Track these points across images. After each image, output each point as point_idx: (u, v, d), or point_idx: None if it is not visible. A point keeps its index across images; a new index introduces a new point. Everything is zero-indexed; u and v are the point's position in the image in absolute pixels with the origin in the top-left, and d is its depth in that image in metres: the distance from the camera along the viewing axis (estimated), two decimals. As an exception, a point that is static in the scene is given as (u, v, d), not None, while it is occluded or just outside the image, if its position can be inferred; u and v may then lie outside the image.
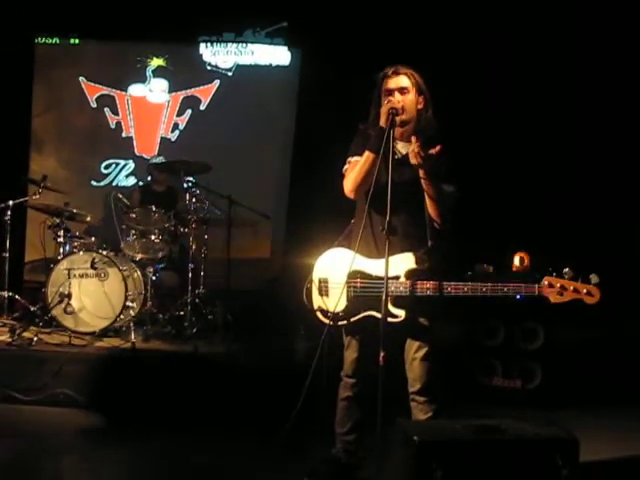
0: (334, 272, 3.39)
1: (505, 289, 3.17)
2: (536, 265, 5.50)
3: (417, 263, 3.27)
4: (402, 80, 3.37)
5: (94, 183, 7.65)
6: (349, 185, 3.41)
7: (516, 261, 5.54)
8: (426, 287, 3.24)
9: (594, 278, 3.06)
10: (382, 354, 2.99)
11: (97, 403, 4.77)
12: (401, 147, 3.38)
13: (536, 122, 6.63)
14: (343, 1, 7.05)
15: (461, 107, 6.17)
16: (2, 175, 6.71)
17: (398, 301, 3.24)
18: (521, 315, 5.47)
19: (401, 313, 3.24)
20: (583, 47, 6.53)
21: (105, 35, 7.40)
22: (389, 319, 3.15)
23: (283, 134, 7.62)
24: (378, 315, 3.15)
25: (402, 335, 3.36)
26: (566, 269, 3.09)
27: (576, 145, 6.79)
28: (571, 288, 3.07)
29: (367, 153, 3.30)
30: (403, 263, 3.28)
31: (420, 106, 3.40)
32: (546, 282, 3.11)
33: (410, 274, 3.26)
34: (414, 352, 3.37)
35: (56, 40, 7.63)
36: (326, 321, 3.37)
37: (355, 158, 3.41)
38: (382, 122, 3.25)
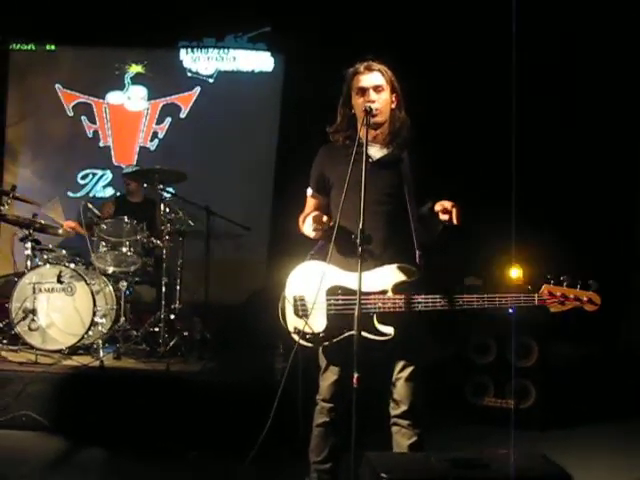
0: (310, 288, 3.10)
1: (503, 300, 2.97)
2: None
3: (405, 275, 3.02)
4: (376, 77, 3.16)
5: (70, 194, 7.45)
6: (302, 230, 3.26)
7: (510, 274, 5.30)
8: (417, 301, 3.00)
9: (594, 284, 2.88)
10: (356, 375, 2.75)
11: (62, 426, 4.55)
12: (374, 151, 3.16)
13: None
14: (327, 5, 6.85)
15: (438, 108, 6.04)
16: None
17: (385, 318, 2.99)
18: (513, 330, 5.21)
19: (389, 331, 2.99)
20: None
21: (82, 41, 7.26)
22: (376, 337, 2.94)
23: (266, 143, 7.41)
24: (365, 334, 2.90)
25: (386, 354, 3.11)
26: (564, 276, 2.90)
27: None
28: (572, 296, 2.88)
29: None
30: (389, 276, 3.03)
31: (393, 105, 3.19)
32: (546, 291, 2.91)
33: (398, 288, 3.01)
34: (398, 371, 3.14)
35: (32, 46, 7.49)
36: (305, 344, 3.09)
37: (309, 192, 3.29)
38: (361, 122, 3.05)
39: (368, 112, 3.03)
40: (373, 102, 3.09)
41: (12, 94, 7.44)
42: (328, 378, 3.22)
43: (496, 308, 3.03)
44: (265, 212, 7.35)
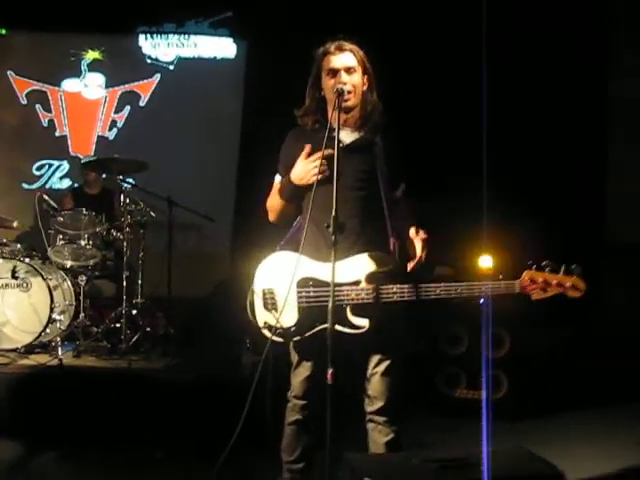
0: (280, 281, 2.94)
1: (482, 288, 2.83)
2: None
3: (379, 264, 2.87)
4: (348, 58, 2.99)
5: (26, 186, 7.21)
6: (270, 216, 3.15)
7: (481, 262, 5.21)
8: (392, 291, 2.84)
9: (577, 269, 2.76)
10: (330, 370, 2.61)
11: (19, 429, 4.32)
12: (344, 135, 3.00)
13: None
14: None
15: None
16: None
17: (360, 309, 2.83)
18: (484, 321, 5.14)
19: (364, 323, 2.83)
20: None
21: (36, 26, 7.01)
22: (349, 331, 2.79)
23: (229, 131, 7.25)
24: (338, 327, 2.76)
25: (361, 347, 2.96)
26: (545, 261, 2.78)
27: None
28: (554, 282, 2.75)
29: (278, 198, 3.06)
30: (362, 265, 2.87)
31: (365, 87, 3.03)
32: (527, 277, 2.78)
33: (372, 277, 2.85)
34: (374, 366, 2.98)
35: None
36: (276, 339, 2.93)
37: (277, 179, 3.12)
38: (331, 105, 2.90)
39: (340, 94, 2.87)
40: (345, 84, 2.94)
41: (-39, 81, 7.17)
42: (300, 374, 3.07)
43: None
44: (229, 202, 7.18)
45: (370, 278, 2.86)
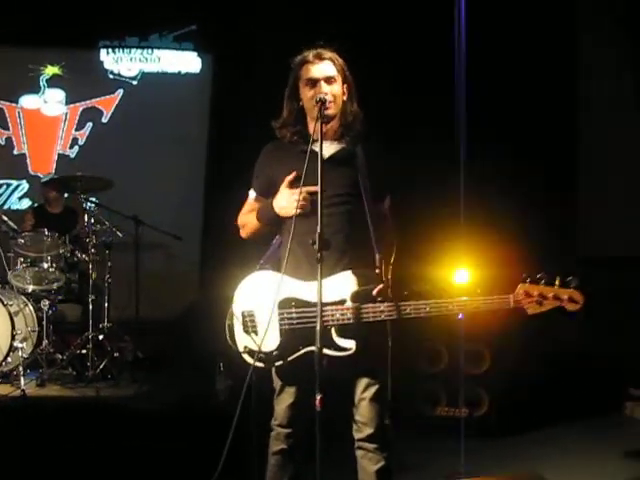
0: (260, 302, 2.78)
1: (475, 304, 2.67)
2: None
3: (364, 281, 2.72)
4: (327, 67, 2.86)
5: (-18, 206, 6.95)
6: (242, 232, 3.01)
7: (457, 277, 5.11)
8: (379, 310, 2.69)
9: (574, 280, 2.60)
10: (319, 397, 2.46)
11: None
12: (325, 147, 2.81)
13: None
14: (257, 2, 6.57)
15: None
16: None
17: (345, 330, 2.68)
18: (464, 337, 5.01)
19: (350, 345, 2.67)
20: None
21: (-8, 39, 6.78)
22: (335, 353, 2.63)
23: (195, 147, 7.11)
24: (324, 350, 2.57)
25: (347, 371, 2.80)
26: (540, 273, 2.63)
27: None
28: (551, 295, 2.60)
29: (254, 218, 2.92)
30: (347, 283, 2.72)
31: (345, 97, 2.90)
32: (522, 291, 2.63)
33: (357, 296, 2.70)
34: (362, 391, 2.82)
35: None
36: (258, 364, 2.76)
37: (252, 195, 2.97)
38: (312, 116, 2.78)
39: (323, 102, 2.73)
40: (325, 94, 2.80)
41: None
42: (284, 401, 2.89)
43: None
44: (197, 220, 7.04)
45: (356, 297, 2.71)
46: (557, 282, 2.63)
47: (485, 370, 5.05)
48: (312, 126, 2.78)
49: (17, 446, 4.11)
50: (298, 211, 2.72)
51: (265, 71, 6.15)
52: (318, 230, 2.54)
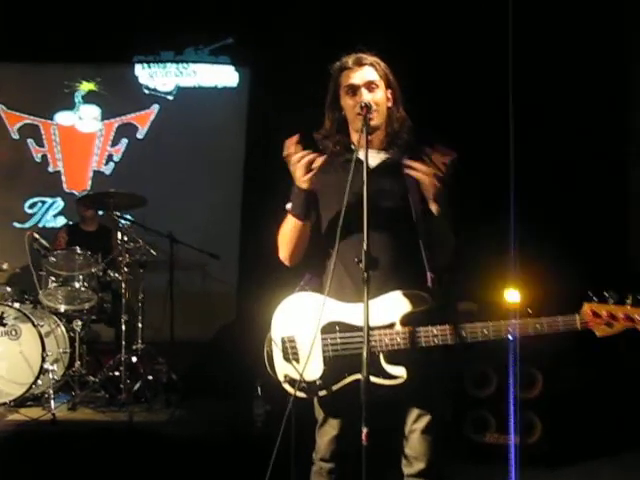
0: (301, 327, 2.57)
1: (538, 326, 2.44)
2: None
3: (416, 304, 2.49)
4: (368, 72, 2.66)
5: (17, 225, 6.89)
6: (281, 252, 2.75)
7: (507, 297, 4.85)
8: (433, 334, 2.46)
9: None
10: (365, 430, 2.25)
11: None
12: (370, 159, 2.61)
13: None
14: (295, 13, 6.43)
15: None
16: None
17: (395, 357, 2.46)
18: (513, 359, 4.80)
19: (401, 372, 2.45)
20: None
21: (27, 57, 6.74)
22: (384, 382, 2.42)
23: (232, 162, 6.93)
24: (372, 378, 2.36)
25: (397, 401, 2.57)
26: (608, 292, 2.39)
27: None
28: (622, 315, 2.36)
29: (289, 217, 2.65)
30: (396, 305, 2.49)
31: (390, 103, 2.70)
32: (588, 311, 2.39)
33: (408, 319, 2.48)
34: (413, 422, 2.59)
35: None
36: (299, 394, 2.54)
37: (290, 205, 2.72)
38: (354, 127, 2.61)
39: (368, 108, 2.54)
40: (367, 103, 2.60)
41: (-50, 117, 6.95)
42: (327, 433, 2.67)
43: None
44: (234, 238, 6.85)
45: (406, 320, 2.49)
46: (629, 300, 2.38)
47: (537, 394, 4.76)
48: (355, 137, 2.59)
49: (45, 471, 3.97)
50: (307, 177, 2.53)
51: (304, 84, 6.02)
52: (364, 247, 2.33)
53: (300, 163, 2.54)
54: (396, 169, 2.68)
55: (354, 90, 2.65)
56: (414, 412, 2.59)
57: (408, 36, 5.99)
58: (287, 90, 6.30)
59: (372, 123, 2.60)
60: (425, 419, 2.57)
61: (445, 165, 2.56)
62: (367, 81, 2.64)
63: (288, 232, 2.69)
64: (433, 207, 2.54)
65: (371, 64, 2.68)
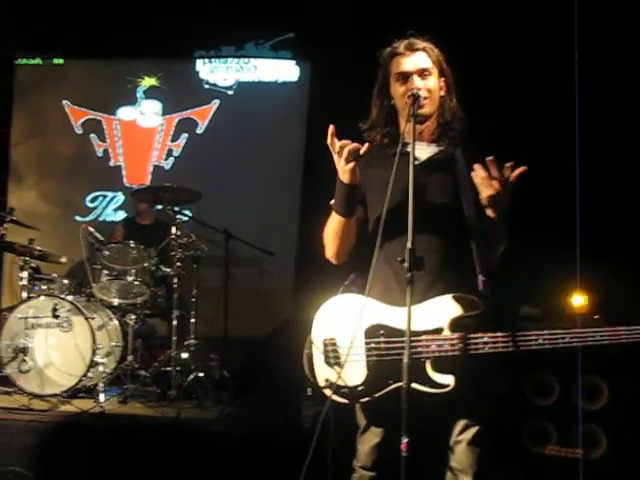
0: (343, 330, 2.45)
1: (613, 336, 2.27)
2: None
3: (466, 308, 2.35)
4: (421, 59, 2.53)
5: (78, 218, 6.90)
6: (327, 250, 2.62)
7: (573, 302, 4.64)
8: (483, 341, 2.33)
9: None
10: (405, 440, 2.13)
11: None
12: (419, 151, 2.52)
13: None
14: (357, 8, 6.26)
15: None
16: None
17: (443, 364, 2.32)
18: (579, 367, 4.55)
19: (448, 381, 2.32)
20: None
21: (91, 54, 6.83)
22: (430, 390, 2.30)
23: (291, 159, 6.80)
24: (415, 386, 2.26)
25: (443, 410, 2.43)
26: None
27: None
28: None
29: (333, 213, 2.52)
30: (445, 309, 2.36)
31: (442, 92, 2.56)
32: None
33: (457, 324, 2.34)
34: (459, 433, 2.45)
35: (38, 61, 7.07)
36: (340, 400, 2.44)
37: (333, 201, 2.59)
38: (405, 116, 2.45)
39: (416, 98, 2.40)
40: (419, 89, 2.46)
41: (17, 112, 7.02)
42: (368, 440, 2.55)
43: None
44: (291, 235, 6.73)
45: (455, 325, 2.35)
46: None
47: (603, 405, 4.50)
48: (406, 126, 2.42)
49: (92, 464, 3.96)
50: (348, 167, 2.41)
51: (366, 79, 5.89)
52: (408, 246, 2.18)
53: (342, 153, 2.41)
54: (447, 163, 2.54)
55: (405, 77, 2.52)
56: (461, 422, 2.45)
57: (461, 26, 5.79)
58: (347, 84, 6.16)
59: (423, 111, 2.48)
60: (472, 430, 2.44)
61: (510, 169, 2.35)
62: (420, 68, 2.51)
63: (332, 229, 2.58)
64: (489, 212, 2.38)
65: (424, 49, 2.56)
